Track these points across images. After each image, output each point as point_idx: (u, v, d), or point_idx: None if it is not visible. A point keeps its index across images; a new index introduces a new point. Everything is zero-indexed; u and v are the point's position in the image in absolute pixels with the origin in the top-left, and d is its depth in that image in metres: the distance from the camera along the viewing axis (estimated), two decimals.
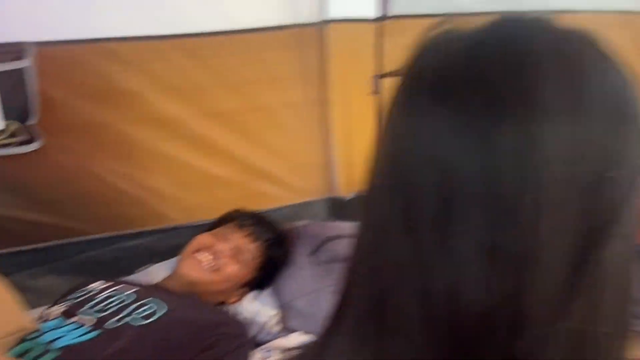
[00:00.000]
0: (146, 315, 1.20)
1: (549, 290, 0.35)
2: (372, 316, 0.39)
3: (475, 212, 0.34)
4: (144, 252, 1.66)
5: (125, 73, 1.48)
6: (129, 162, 1.59)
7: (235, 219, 1.52)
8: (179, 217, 1.68)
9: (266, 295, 1.50)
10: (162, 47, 1.48)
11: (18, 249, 1.52)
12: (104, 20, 1.42)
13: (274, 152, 1.69)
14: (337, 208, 1.81)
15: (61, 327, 1.17)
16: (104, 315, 1.20)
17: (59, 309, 1.24)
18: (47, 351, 1.10)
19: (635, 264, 0.39)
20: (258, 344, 1.38)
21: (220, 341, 1.21)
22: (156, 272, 1.55)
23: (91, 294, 1.28)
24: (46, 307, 1.31)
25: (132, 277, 1.53)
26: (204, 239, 1.45)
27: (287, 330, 1.44)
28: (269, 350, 1.37)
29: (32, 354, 1.09)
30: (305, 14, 1.57)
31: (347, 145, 1.72)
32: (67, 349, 1.11)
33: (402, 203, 0.37)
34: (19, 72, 1.35)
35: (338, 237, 1.53)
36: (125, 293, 1.27)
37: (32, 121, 1.40)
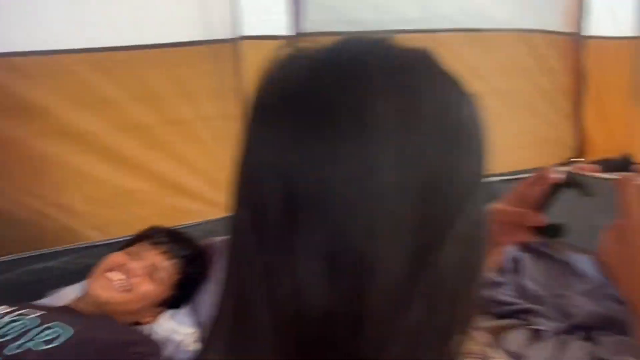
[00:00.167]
0: (49, 339, 1.15)
1: (387, 293, 0.37)
2: (234, 324, 0.41)
3: (315, 221, 0.36)
4: (57, 273, 1.59)
5: (31, 87, 1.43)
6: (38, 178, 1.53)
7: (150, 236, 1.48)
8: (93, 235, 1.63)
9: (183, 313, 1.48)
10: (68, 61, 1.44)
11: None
12: (7, 35, 1.37)
13: (191, 166, 1.68)
14: None
15: None
16: (3, 341, 1.14)
17: None
18: None
19: (478, 268, 0.41)
20: None
21: None
22: (67, 294, 1.49)
23: None
24: None
25: (41, 301, 1.47)
26: (116, 257, 1.41)
27: None
28: None
29: None
30: (220, 30, 1.58)
31: None
32: None
33: (250, 212, 0.39)
34: None
35: None
36: (29, 317, 1.22)
37: None
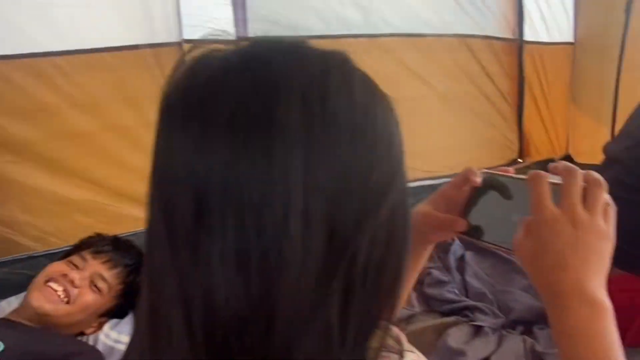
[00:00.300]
0: None
1: (299, 293, 0.38)
2: (150, 329, 0.41)
3: (224, 224, 0.37)
4: None
5: None
6: None
7: (92, 244, 1.45)
8: (33, 246, 1.58)
9: (128, 323, 1.45)
10: (3, 68, 1.40)
11: None
12: None
13: (135, 173, 1.65)
14: None
15: None
16: None
17: None
18: None
19: (395, 266, 0.42)
20: None
21: None
22: (5, 307, 1.44)
23: None
24: None
25: None
26: (57, 267, 1.37)
27: None
28: None
29: None
30: (163, 34, 1.56)
31: None
32: None
33: (163, 216, 0.39)
34: None
35: None
36: None
37: None
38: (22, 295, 1.44)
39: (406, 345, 0.45)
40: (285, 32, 1.69)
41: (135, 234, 1.60)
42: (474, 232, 0.68)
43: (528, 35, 2.37)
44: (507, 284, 1.65)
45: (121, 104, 1.58)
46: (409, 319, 1.49)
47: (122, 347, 1.37)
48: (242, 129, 0.37)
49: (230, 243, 0.37)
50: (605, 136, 2.14)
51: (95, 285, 1.36)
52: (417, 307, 1.57)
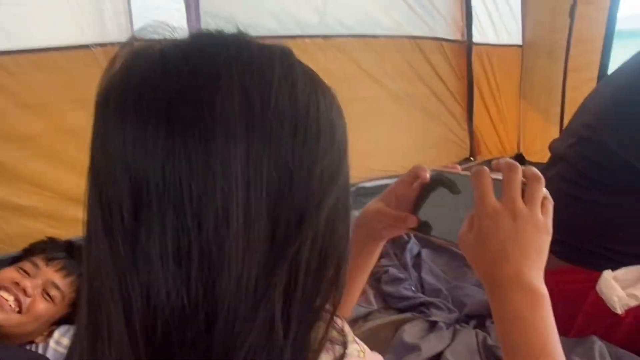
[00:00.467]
0: None
1: (241, 287, 0.37)
2: (90, 328, 0.41)
3: (163, 217, 0.36)
4: None
5: None
6: None
7: (44, 249, 1.41)
8: None
9: None
10: None
11: None
12: None
13: (86, 176, 1.61)
14: None
15: None
16: None
17: None
18: None
19: (338, 260, 0.43)
20: None
21: None
22: None
23: None
24: None
25: None
26: (7, 274, 1.32)
27: None
28: None
29: None
30: (115, 33, 1.53)
31: None
32: None
33: (101, 211, 0.38)
34: None
35: None
36: None
37: None
38: None
39: (350, 336, 0.45)
40: (239, 28, 1.69)
41: None
42: (424, 227, 0.70)
43: (476, 37, 2.44)
44: (461, 279, 1.69)
45: (71, 105, 1.54)
46: (366, 316, 1.51)
47: None
48: (180, 120, 0.37)
49: (169, 238, 0.36)
50: (554, 135, 2.21)
51: (48, 294, 1.32)
52: (375, 305, 1.59)
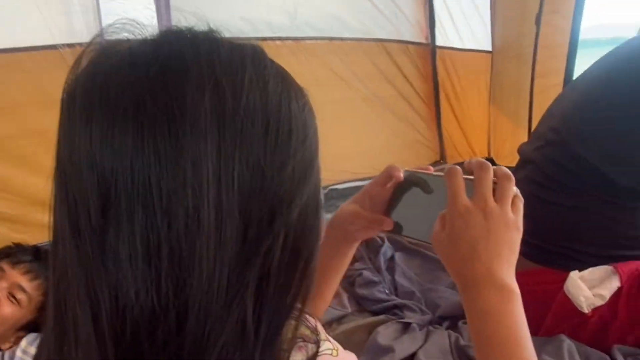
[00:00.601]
0: None
1: (213, 287, 0.37)
2: (57, 331, 0.40)
3: (132, 216, 0.36)
4: None
5: None
6: None
7: (10, 254, 1.37)
8: None
9: None
10: None
11: None
12: None
13: None
14: None
15: None
16: None
17: None
18: None
19: (309, 259, 0.43)
20: None
21: None
22: None
23: None
24: None
25: None
26: None
27: None
28: None
29: None
30: (84, 34, 1.50)
31: None
32: None
33: (68, 209, 0.38)
34: None
35: None
36: None
37: None
38: None
39: (323, 335, 0.45)
40: (209, 26, 1.69)
41: None
42: (398, 227, 0.70)
43: (440, 41, 2.48)
44: (434, 281, 1.71)
45: (39, 107, 1.51)
46: (340, 319, 1.51)
47: None
48: (150, 117, 0.36)
49: (139, 237, 0.36)
50: (523, 138, 2.27)
51: (14, 297, 1.29)
52: (349, 308, 1.59)
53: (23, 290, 1.30)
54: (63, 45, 1.48)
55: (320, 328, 0.46)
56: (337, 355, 0.45)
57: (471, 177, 0.59)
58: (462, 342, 1.30)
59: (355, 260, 1.77)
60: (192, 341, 0.37)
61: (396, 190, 0.71)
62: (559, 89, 2.17)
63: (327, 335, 0.46)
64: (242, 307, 0.38)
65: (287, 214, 0.39)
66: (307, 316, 0.44)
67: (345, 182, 2.14)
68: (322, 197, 0.47)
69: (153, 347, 0.37)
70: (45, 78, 1.50)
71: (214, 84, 0.37)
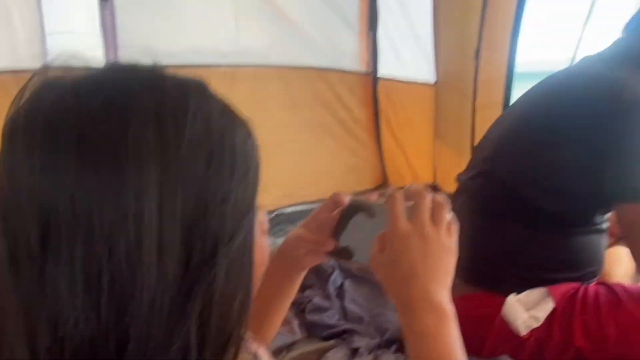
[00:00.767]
0: None
1: (154, 315, 0.37)
2: None
3: (72, 247, 0.36)
4: None
5: None
6: None
7: None
8: None
9: None
10: None
11: None
12: None
13: None
14: None
15: None
16: None
17: None
18: None
19: (249, 287, 0.44)
20: None
21: None
22: None
23: None
24: None
25: None
26: None
27: None
28: None
29: None
30: (26, 60, 1.48)
31: None
32: None
33: (6, 240, 0.38)
34: None
35: None
36: None
37: None
38: None
39: (265, 358, 0.46)
40: (154, 60, 1.69)
41: None
42: (344, 252, 0.73)
43: (382, 71, 2.57)
44: (383, 306, 1.74)
45: None
46: (290, 346, 1.51)
47: None
48: (92, 150, 0.37)
49: (79, 266, 0.36)
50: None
51: None
52: (299, 334, 1.59)
53: None
54: (6, 71, 1.45)
55: (262, 354, 0.47)
56: None
57: (411, 202, 0.62)
58: None
59: (306, 287, 1.78)
60: None
61: (342, 216, 0.74)
62: None
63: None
64: (183, 336, 0.38)
65: (228, 246, 0.40)
66: (249, 343, 0.45)
67: (292, 205, 2.17)
68: (267, 223, 0.49)
69: None
70: None
71: (157, 118, 0.38)
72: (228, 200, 0.40)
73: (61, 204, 0.36)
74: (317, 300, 1.74)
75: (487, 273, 1.31)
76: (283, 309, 0.78)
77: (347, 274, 1.92)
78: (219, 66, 1.89)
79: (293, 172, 2.18)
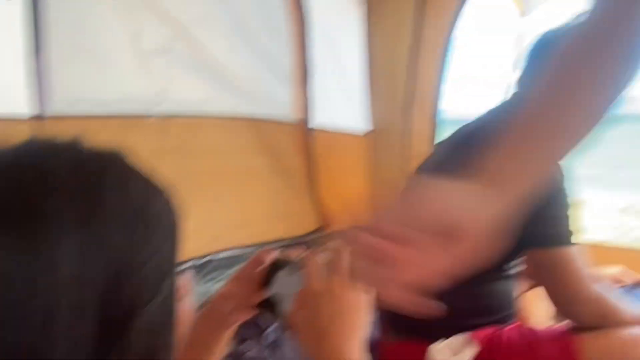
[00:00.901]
0: None
1: None
2: None
3: None
4: None
5: None
6: None
7: None
8: None
9: None
10: None
11: None
12: None
13: None
14: None
15: None
16: None
17: None
18: None
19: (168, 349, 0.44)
20: None
21: None
22: None
23: None
24: None
25: None
26: None
27: None
28: None
29: None
30: None
31: None
32: None
33: None
34: None
35: None
36: None
37: None
38: None
39: None
40: (86, 110, 1.66)
41: None
42: (271, 306, 0.75)
43: (317, 121, 2.62)
44: None
45: None
46: None
47: None
48: (7, 219, 0.37)
49: None
50: None
51: None
52: None
53: None
54: None
55: None
56: None
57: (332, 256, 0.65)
58: None
59: (242, 340, 1.76)
60: None
61: (267, 272, 0.76)
62: None
63: None
64: None
65: (145, 312, 0.41)
66: None
67: (224, 250, 2.15)
68: (190, 284, 0.50)
69: None
70: None
71: (75, 190, 0.39)
72: (146, 267, 0.41)
73: None
74: (253, 353, 1.73)
75: (414, 322, 1.35)
76: None
77: (282, 327, 1.91)
78: (150, 116, 1.88)
79: (227, 218, 2.17)
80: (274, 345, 1.84)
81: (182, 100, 2.02)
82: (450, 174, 0.50)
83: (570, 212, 1.24)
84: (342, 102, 2.73)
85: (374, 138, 2.82)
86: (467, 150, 0.47)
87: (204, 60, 2.07)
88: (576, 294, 1.20)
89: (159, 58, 1.88)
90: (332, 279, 0.62)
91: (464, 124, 1.47)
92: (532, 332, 1.29)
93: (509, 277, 1.36)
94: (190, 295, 0.54)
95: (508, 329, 1.32)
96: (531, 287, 1.58)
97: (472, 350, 1.25)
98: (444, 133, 2.49)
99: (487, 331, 1.29)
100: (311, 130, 2.61)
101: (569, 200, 1.24)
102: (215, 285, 2.07)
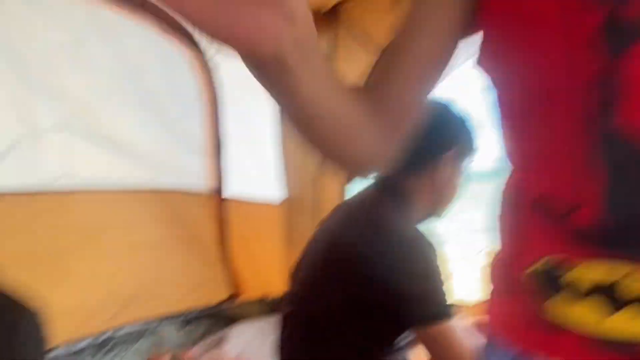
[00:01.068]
0: None
1: None
2: None
3: None
4: None
5: None
6: None
7: None
8: None
9: None
10: None
11: None
12: None
13: None
14: None
15: None
16: None
17: None
18: None
19: None
20: None
21: None
22: None
23: None
24: None
25: None
26: None
27: None
28: None
29: None
30: None
31: None
32: None
33: None
34: None
35: None
36: None
37: None
38: None
39: None
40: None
41: None
42: None
43: (230, 191, 2.66)
44: None
45: None
46: None
47: None
48: None
49: None
50: None
51: None
52: None
53: None
54: None
55: None
56: None
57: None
58: None
59: None
60: None
61: None
62: None
63: None
64: None
65: None
66: None
67: (126, 325, 2.10)
68: None
69: None
70: None
71: None
72: None
73: None
74: None
75: None
76: None
77: None
78: (49, 192, 1.85)
79: (130, 291, 2.12)
80: None
81: (81, 176, 2.00)
82: None
83: (444, 284, 1.31)
84: (256, 171, 2.79)
85: (290, 206, 2.88)
86: None
87: (107, 135, 2.07)
88: None
89: (59, 131, 1.88)
90: None
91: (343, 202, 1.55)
92: None
93: (398, 349, 1.41)
94: None
95: None
96: None
97: None
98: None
99: None
100: (225, 200, 2.63)
101: (441, 272, 1.32)
102: None
